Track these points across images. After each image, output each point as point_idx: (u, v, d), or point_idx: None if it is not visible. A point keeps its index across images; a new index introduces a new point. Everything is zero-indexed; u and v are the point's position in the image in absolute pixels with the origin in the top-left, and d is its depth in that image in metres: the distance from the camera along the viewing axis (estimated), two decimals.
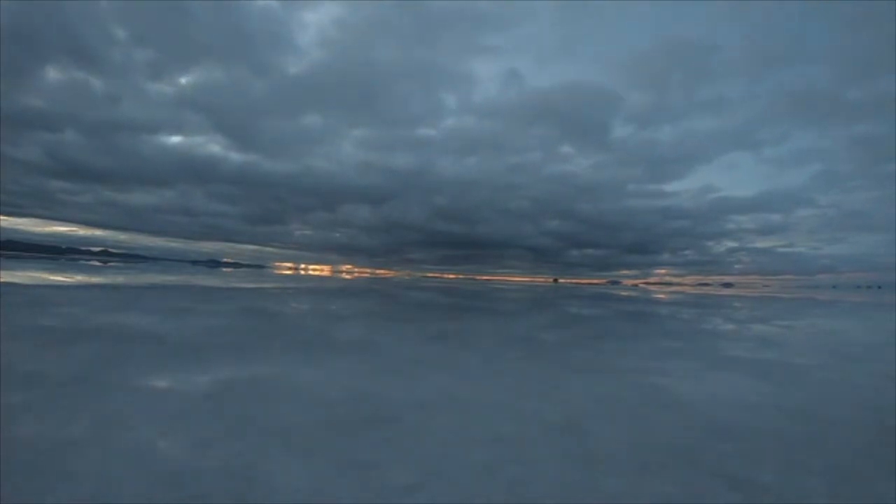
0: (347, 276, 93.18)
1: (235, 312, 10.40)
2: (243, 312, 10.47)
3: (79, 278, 23.26)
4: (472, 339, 7.69)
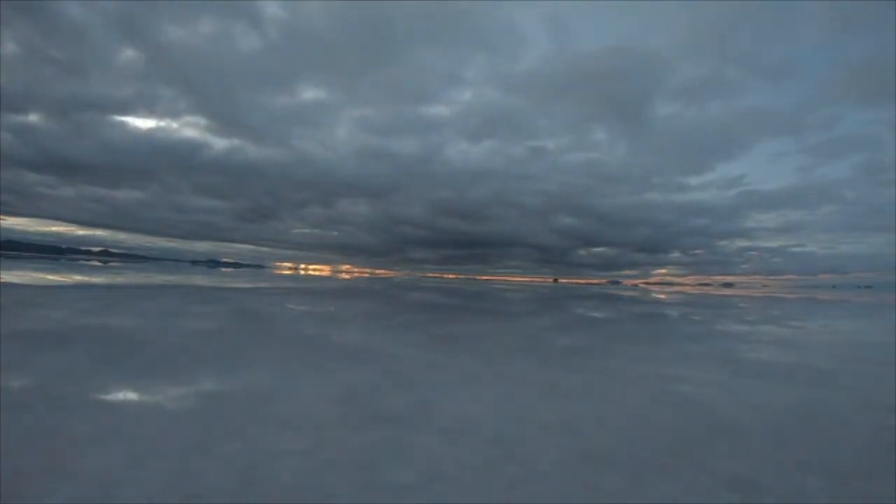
0: (347, 276, 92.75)
1: (228, 315, 9.93)
2: (236, 315, 10.00)
3: (69, 278, 22.81)
4: (484, 344, 7.20)
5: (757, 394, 4.34)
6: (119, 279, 24.74)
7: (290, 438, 2.76)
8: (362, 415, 3.26)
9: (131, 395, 3.52)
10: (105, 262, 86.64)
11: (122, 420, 2.97)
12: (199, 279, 29.84)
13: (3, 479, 2.13)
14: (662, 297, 35.56)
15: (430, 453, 2.62)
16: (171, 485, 2.14)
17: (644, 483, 2.35)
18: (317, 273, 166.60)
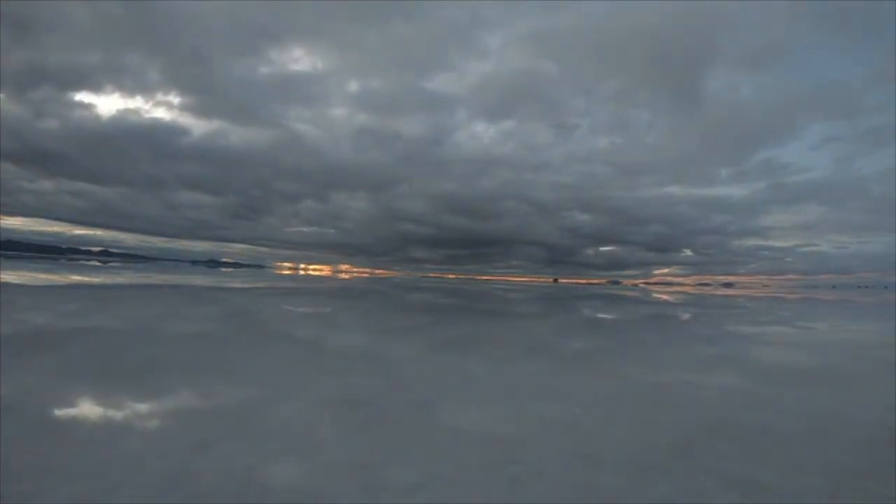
0: (346, 276, 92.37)
1: (217, 317, 9.59)
2: (225, 317, 9.66)
3: (63, 278, 22.48)
4: (495, 348, 6.83)
5: (796, 401, 3.98)
6: (112, 279, 24.40)
7: (280, 471, 2.39)
8: (365, 433, 2.91)
9: (95, 412, 3.16)
10: (105, 263, 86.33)
11: (79, 446, 2.61)
12: (196, 279, 29.48)
13: None
14: (665, 297, 35.17)
15: (434, 459, 2.26)
16: None
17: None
18: (317, 273, 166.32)
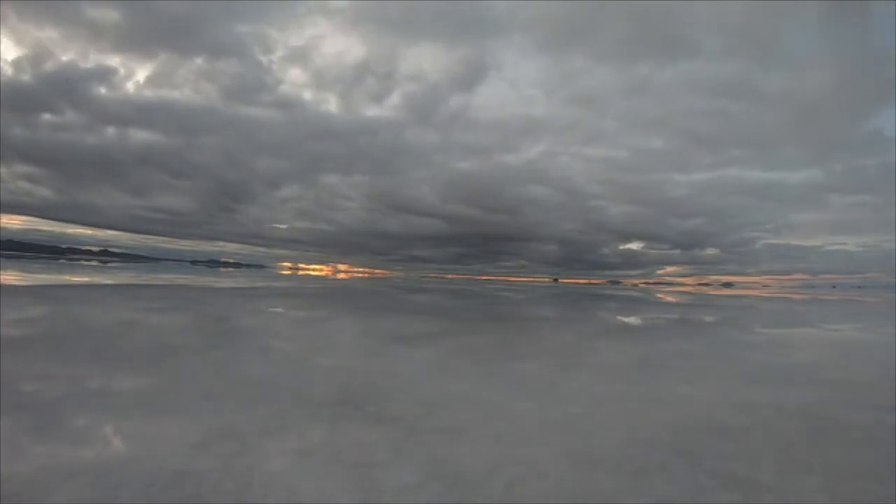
0: (344, 277, 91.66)
1: (199, 321, 8.92)
2: (206, 322, 8.99)
3: (55, 279, 21.80)
4: (527, 361, 6.13)
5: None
6: (105, 280, 23.72)
7: None
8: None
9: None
10: (104, 263, 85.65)
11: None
12: (193, 279, 28.79)
13: None
14: (672, 298, 34.49)
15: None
16: None
17: None
18: (316, 273, 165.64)
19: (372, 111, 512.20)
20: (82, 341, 5.93)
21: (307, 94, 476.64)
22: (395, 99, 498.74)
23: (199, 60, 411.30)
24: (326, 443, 2.72)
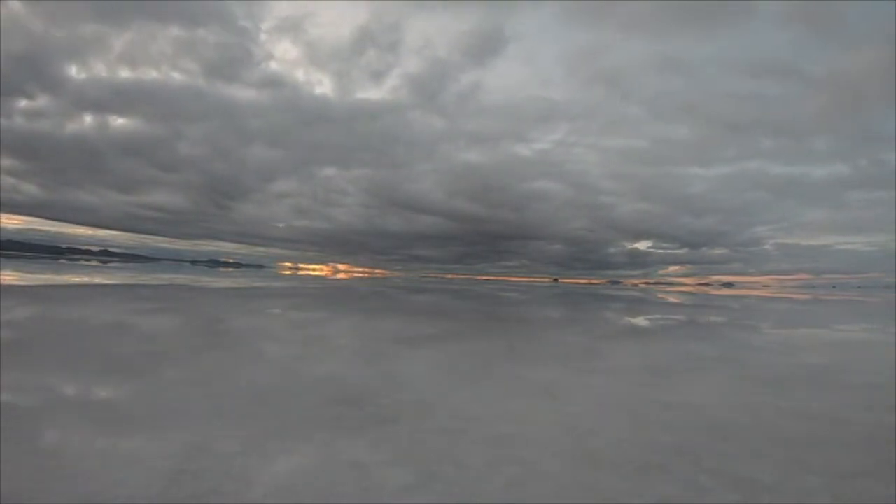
0: (343, 276, 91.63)
1: (199, 321, 8.91)
2: (206, 322, 8.99)
3: (44, 278, 21.79)
4: (546, 366, 6.10)
5: None
6: (107, 280, 23.71)
7: None
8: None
9: None
10: (104, 262, 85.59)
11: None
12: (193, 280, 28.77)
13: None
14: (681, 299, 34.44)
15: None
16: None
17: None
18: (316, 273, 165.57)
19: (371, 93, 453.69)
20: (70, 345, 5.93)
21: (299, 74, 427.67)
22: (396, 78, 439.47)
23: (175, 29, 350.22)
24: (324, 451, 2.71)
